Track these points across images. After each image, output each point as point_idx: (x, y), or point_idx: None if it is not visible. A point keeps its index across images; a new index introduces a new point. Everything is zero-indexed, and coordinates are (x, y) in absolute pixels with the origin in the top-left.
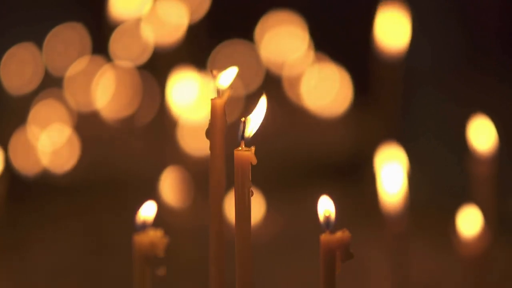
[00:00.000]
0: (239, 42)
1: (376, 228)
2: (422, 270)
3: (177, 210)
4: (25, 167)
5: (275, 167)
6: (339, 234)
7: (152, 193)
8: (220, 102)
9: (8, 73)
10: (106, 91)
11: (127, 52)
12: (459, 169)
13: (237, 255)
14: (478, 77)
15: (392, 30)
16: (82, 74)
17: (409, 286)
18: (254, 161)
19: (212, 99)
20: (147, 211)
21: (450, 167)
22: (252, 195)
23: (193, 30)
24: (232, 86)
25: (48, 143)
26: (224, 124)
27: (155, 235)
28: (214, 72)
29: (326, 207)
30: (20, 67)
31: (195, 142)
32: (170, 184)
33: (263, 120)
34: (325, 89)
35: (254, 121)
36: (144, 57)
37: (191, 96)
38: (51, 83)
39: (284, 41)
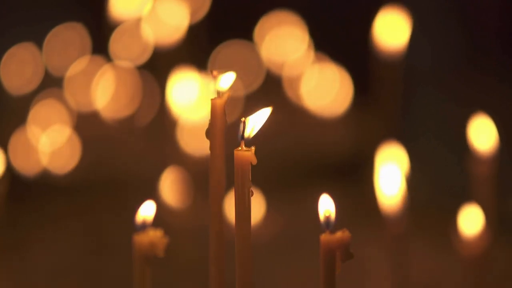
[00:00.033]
0: (239, 42)
1: (376, 228)
2: (422, 270)
3: (177, 210)
4: (25, 167)
5: (275, 167)
6: (339, 234)
7: (152, 193)
8: (220, 102)
9: (8, 73)
10: (106, 91)
11: (127, 52)
12: (459, 169)
13: (237, 255)
14: (478, 77)
15: (392, 30)
16: (82, 74)
17: (409, 286)
18: (254, 161)
19: (212, 99)
20: (147, 210)
21: (450, 167)
22: (252, 195)
23: (193, 30)
24: (231, 87)
25: (48, 143)
26: (224, 124)
27: (155, 235)
28: (214, 72)
29: (326, 206)
30: (20, 67)
31: (195, 142)
32: (170, 184)
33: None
34: (325, 89)
35: (254, 123)
36: (144, 57)
37: (191, 96)
38: (51, 83)
39: (284, 41)
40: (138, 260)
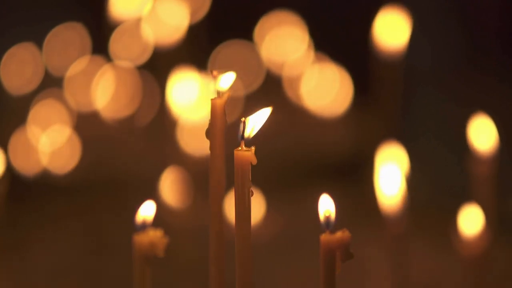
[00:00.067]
0: (239, 42)
1: (376, 228)
2: (422, 270)
3: (177, 210)
4: (25, 167)
5: (275, 167)
6: (339, 234)
7: (152, 193)
8: (220, 102)
9: (8, 73)
10: (106, 91)
11: (127, 52)
12: (459, 169)
13: (237, 255)
14: (478, 77)
15: (392, 30)
16: (82, 74)
17: (409, 286)
18: (254, 161)
19: (212, 99)
20: (146, 210)
21: (450, 167)
22: (252, 195)
23: (193, 30)
24: (231, 87)
25: (48, 143)
26: (224, 124)
27: (155, 235)
28: (214, 73)
29: (326, 206)
30: (20, 67)
31: (195, 142)
32: (170, 184)
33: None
34: (325, 89)
35: (254, 124)
36: (144, 57)
37: (191, 96)
38: (51, 83)
39: (284, 41)
40: (138, 260)
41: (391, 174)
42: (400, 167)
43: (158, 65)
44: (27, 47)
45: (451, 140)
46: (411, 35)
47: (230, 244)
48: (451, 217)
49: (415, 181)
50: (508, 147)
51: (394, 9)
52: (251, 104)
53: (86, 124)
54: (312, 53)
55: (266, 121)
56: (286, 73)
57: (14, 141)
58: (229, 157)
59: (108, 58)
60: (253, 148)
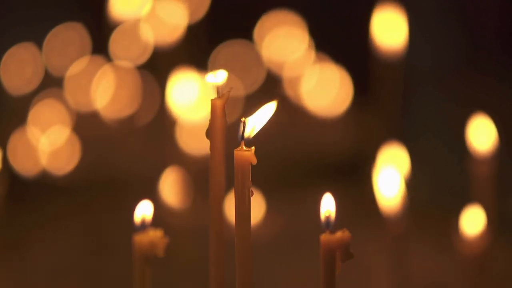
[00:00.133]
0: (239, 42)
1: (376, 228)
2: (422, 270)
3: (177, 210)
4: (25, 167)
5: (275, 167)
6: (339, 234)
7: (152, 193)
8: (220, 102)
9: (8, 73)
10: (106, 91)
11: (127, 52)
12: (459, 169)
13: (237, 255)
14: (478, 77)
15: (392, 30)
16: (82, 74)
17: (409, 286)
18: (254, 161)
19: (212, 99)
20: (143, 210)
21: (450, 167)
22: (252, 195)
23: (193, 30)
24: (231, 87)
25: (48, 143)
26: (224, 124)
27: (155, 235)
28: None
29: (327, 205)
30: (20, 67)
31: (195, 142)
32: (170, 184)
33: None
34: (325, 89)
35: (256, 123)
36: (144, 57)
37: (191, 96)
38: (51, 83)
39: (284, 41)
40: (138, 260)
41: (391, 174)
42: (400, 167)
43: (158, 65)
44: (27, 47)
45: (451, 140)
46: (412, 35)
47: (230, 244)
48: (451, 217)
49: (415, 181)
50: (508, 147)
51: (394, 9)
52: (251, 104)
53: (86, 124)
54: (312, 53)
55: (266, 121)
56: (286, 73)
57: (14, 141)
58: (229, 157)
59: (108, 58)
60: (253, 148)
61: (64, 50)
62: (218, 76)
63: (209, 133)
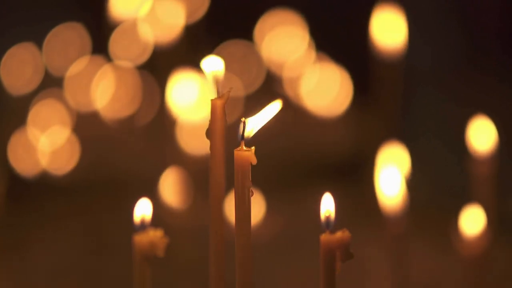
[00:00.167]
0: (239, 42)
1: (376, 228)
2: (422, 270)
3: (177, 210)
4: (25, 167)
5: (275, 167)
6: (339, 234)
7: (152, 193)
8: (220, 102)
9: (8, 73)
10: (106, 91)
11: (127, 52)
12: (459, 169)
13: (237, 255)
14: (478, 77)
15: (392, 30)
16: (82, 74)
17: (409, 286)
18: (254, 161)
19: (212, 99)
20: (142, 209)
21: (450, 167)
22: (252, 195)
23: (193, 30)
24: (232, 86)
25: (48, 143)
26: (224, 124)
27: (155, 235)
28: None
29: (327, 205)
30: (20, 67)
31: (195, 142)
32: (170, 184)
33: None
34: (325, 89)
35: (257, 122)
36: (144, 57)
37: (191, 96)
38: (51, 83)
39: (284, 41)
40: (138, 260)
41: (391, 174)
42: (400, 167)
43: (158, 65)
44: (27, 47)
45: (451, 140)
46: (411, 35)
47: (230, 244)
48: (451, 217)
49: (415, 181)
50: (508, 147)
51: (394, 9)
52: (251, 104)
53: (86, 124)
54: (312, 53)
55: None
56: (286, 73)
57: (14, 141)
58: (229, 157)
59: (108, 58)
60: (253, 148)
61: (64, 50)
62: (214, 64)
63: (209, 133)
